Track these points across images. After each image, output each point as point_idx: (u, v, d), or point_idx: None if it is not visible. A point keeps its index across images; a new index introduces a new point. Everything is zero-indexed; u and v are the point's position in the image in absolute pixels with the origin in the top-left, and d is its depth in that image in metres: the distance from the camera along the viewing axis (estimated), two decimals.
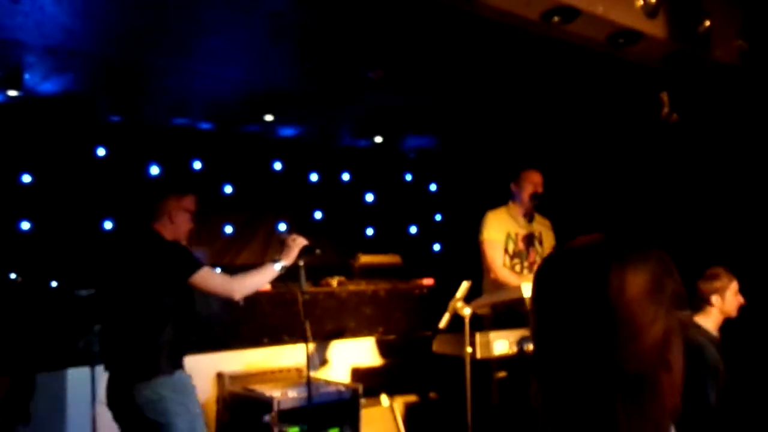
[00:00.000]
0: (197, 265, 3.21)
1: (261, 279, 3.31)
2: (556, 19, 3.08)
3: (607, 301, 0.88)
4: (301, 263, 3.44)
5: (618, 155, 5.32)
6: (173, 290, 3.18)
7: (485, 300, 4.18)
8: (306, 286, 3.50)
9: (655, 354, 0.89)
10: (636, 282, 0.90)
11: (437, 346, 4.33)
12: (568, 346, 0.90)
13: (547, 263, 1.00)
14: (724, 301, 3.61)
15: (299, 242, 3.39)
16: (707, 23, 3.45)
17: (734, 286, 3.63)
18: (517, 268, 4.61)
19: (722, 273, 3.63)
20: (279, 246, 3.48)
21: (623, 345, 0.87)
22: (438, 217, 7.43)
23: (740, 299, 3.65)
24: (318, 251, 3.52)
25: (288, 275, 3.47)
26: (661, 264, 0.94)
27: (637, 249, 0.94)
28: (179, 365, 3.20)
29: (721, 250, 4.27)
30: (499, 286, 4.44)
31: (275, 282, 3.61)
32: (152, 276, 3.19)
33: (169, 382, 3.09)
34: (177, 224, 3.42)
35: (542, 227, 4.72)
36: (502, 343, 4.02)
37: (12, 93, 4.54)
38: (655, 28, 3.37)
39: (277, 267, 3.32)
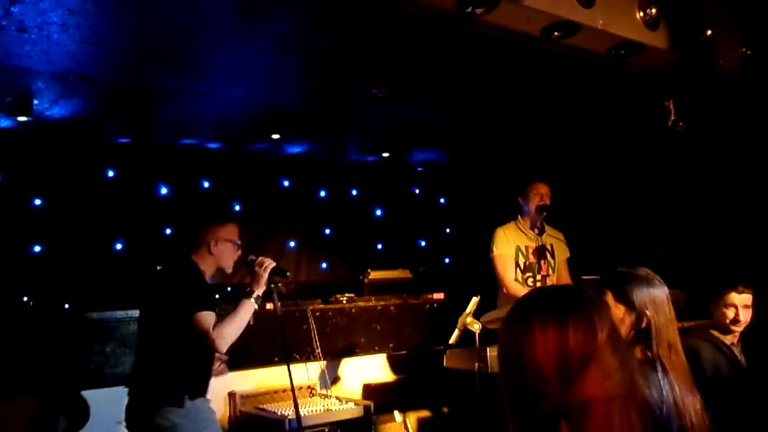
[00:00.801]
0: (201, 307, 3.07)
1: (241, 321, 3.12)
2: (556, 33, 3.09)
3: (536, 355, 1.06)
4: (273, 286, 3.27)
5: (626, 165, 5.31)
6: (186, 326, 3.08)
7: (495, 315, 4.16)
8: (280, 309, 3.34)
9: (597, 387, 1.02)
10: (552, 340, 1.06)
11: (448, 362, 4.32)
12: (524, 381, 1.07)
13: (509, 313, 1.17)
14: (715, 311, 3.46)
15: (267, 266, 3.21)
16: (709, 32, 3.45)
17: (727, 298, 3.39)
18: (530, 281, 4.58)
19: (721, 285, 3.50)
20: (252, 272, 3.28)
21: (565, 388, 1.02)
22: (447, 231, 7.43)
23: (735, 313, 3.37)
24: (288, 273, 3.35)
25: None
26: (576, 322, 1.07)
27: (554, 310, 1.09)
28: (196, 395, 3.12)
29: (730, 256, 4.24)
30: (512, 300, 4.41)
31: (282, 301, 3.58)
32: (167, 310, 3.14)
33: (181, 411, 3.05)
34: (217, 255, 3.27)
35: (553, 240, 4.69)
36: None
37: (22, 118, 4.59)
38: (657, 39, 3.37)
39: (253, 300, 3.17)
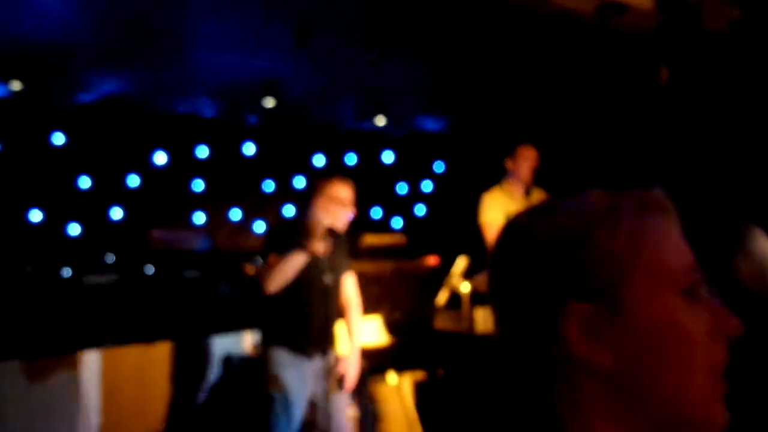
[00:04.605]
0: (269, 249, 3.18)
1: (286, 267, 3.11)
2: None
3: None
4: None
5: (617, 125, 5.30)
6: None
7: (484, 276, 4.21)
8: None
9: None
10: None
11: (438, 323, 4.38)
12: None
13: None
14: None
15: (321, 225, 3.15)
16: None
17: None
18: None
19: None
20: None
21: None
22: (445, 196, 7.46)
23: None
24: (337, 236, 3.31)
25: None
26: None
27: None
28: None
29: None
30: None
31: None
32: None
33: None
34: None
35: (539, 200, 4.71)
36: None
37: (17, 87, 4.62)
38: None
39: (302, 254, 3.11)
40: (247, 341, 4.73)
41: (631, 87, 4.61)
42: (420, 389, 5.39)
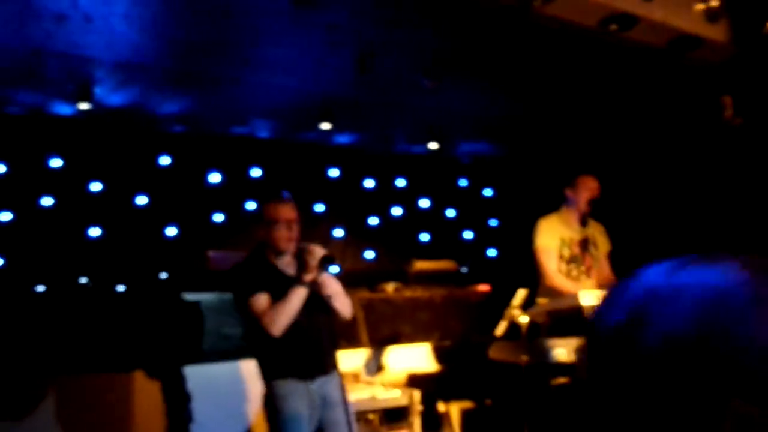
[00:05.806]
0: (250, 291, 3.19)
1: (291, 306, 3.13)
2: (613, 26, 3.06)
3: None
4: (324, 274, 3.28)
5: (680, 159, 5.22)
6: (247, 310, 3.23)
7: (542, 308, 4.15)
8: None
9: None
10: None
11: (494, 353, 4.33)
12: None
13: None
14: None
15: (317, 254, 3.20)
16: None
17: None
18: (574, 273, 4.57)
19: None
20: (300, 262, 3.27)
21: None
22: (494, 223, 7.41)
23: None
24: (335, 261, 3.34)
25: None
26: None
27: None
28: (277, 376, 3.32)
29: None
30: (553, 292, 4.41)
31: None
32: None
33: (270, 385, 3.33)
34: (265, 236, 3.33)
35: (596, 231, 4.66)
36: (560, 351, 3.99)
37: (83, 106, 4.73)
38: (717, 33, 3.31)
39: (302, 288, 3.16)
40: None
41: (698, 120, 4.54)
42: (467, 417, 5.33)
